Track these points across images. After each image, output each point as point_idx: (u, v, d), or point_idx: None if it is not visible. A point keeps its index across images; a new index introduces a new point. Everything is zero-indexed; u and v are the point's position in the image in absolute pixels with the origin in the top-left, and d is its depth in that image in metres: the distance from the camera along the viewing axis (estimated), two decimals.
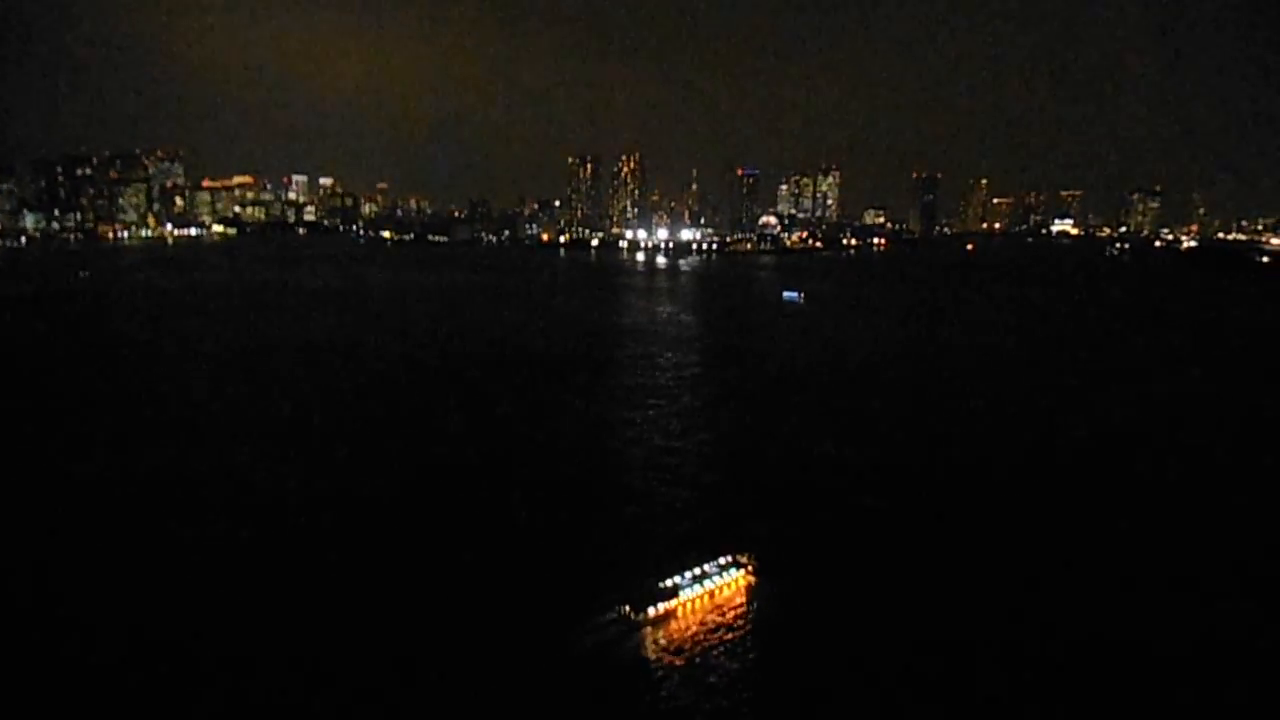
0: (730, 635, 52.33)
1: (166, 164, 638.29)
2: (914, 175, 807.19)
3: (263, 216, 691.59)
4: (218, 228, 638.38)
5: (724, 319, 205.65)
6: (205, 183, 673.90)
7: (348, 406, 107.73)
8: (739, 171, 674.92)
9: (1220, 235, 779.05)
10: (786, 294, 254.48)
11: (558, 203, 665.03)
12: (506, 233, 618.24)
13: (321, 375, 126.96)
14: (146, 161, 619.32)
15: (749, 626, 53.41)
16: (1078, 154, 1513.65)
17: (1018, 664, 48.89)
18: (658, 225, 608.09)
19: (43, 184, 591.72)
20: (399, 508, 72.17)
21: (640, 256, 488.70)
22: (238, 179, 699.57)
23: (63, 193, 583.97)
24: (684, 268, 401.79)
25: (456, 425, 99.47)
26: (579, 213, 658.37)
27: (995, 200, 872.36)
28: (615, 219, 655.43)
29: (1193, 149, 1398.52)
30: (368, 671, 47.29)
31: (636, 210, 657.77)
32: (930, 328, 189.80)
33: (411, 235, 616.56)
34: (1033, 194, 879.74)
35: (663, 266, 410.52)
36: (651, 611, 53.11)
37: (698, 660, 49.42)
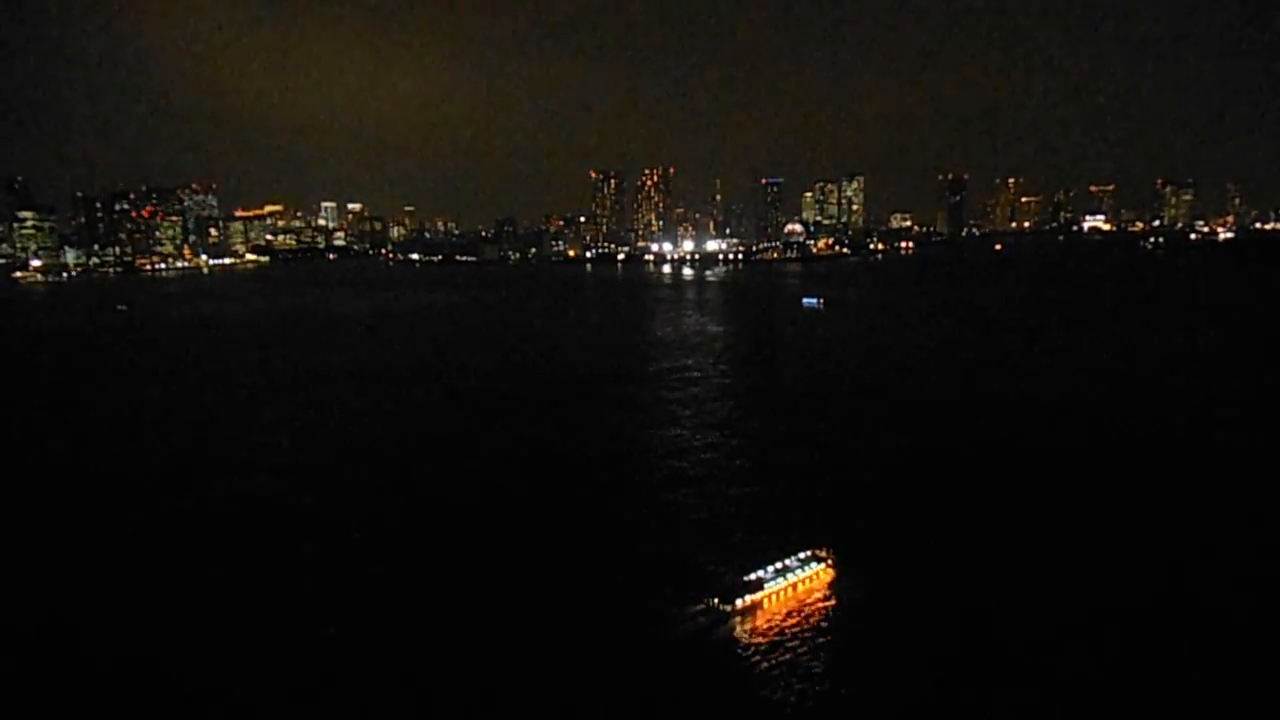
0: (815, 625, 52.20)
1: (200, 196, 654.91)
2: (940, 177, 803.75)
3: (294, 244, 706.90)
4: (251, 256, 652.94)
5: (751, 327, 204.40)
6: (238, 213, 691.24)
7: (407, 428, 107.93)
8: (762, 181, 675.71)
9: (1258, 225, 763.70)
10: (806, 300, 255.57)
11: (583, 219, 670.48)
12: (533, 250, 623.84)
13: (372, 399, 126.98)
14: (181, 194, 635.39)
15: (832, 617, 53.25)
16: (1107, 148, 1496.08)
17: (1107, 660, 47.04)
18: (683, 237, 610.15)
19: (82, 220, 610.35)
20: (482, 522, 71.68)
21: (666, 269, 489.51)
22: (269, 208, 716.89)
23: (102, 228, 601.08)
24: (710, 278, 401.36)
25: (514, 442, 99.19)
26: (604, 228, 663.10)
27: (1024, 199, 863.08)
28: (640, 233, 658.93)
29: (1224, 137, 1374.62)
30: (478, 665, 47.78)
31: (661, 223, 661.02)
32: (944, 329, 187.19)
33: (439, 256, 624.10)
34: (1062, 191, 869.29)
35: (689, 278, 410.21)
36: (739, 603, 53.26)
37: (785, 649, 49.48)
